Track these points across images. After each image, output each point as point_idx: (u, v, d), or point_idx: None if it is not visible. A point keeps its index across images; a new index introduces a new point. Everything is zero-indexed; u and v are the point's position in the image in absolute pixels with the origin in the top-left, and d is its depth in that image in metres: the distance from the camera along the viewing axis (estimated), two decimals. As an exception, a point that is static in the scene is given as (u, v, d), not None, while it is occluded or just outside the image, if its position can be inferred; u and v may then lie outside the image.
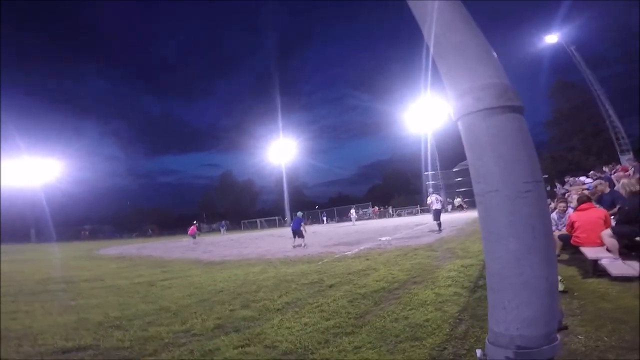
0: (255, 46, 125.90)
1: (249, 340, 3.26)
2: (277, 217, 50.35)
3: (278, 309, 4.28)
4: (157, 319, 4.25)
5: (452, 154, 41.68)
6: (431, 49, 1.65)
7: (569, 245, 5.68)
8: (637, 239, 4.54)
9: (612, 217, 5.56)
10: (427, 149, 42.67)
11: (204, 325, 3.83)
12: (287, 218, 45.36)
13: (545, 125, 44.75)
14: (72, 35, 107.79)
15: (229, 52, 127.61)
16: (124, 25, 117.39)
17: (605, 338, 2.58)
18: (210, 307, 4.65)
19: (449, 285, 4.59)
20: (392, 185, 62.01)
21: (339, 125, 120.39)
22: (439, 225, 13.20)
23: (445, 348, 2.72)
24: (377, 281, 5.30)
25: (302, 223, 13.20)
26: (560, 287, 3.81)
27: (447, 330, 3.07)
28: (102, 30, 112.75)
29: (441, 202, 14.24)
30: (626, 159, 22.44)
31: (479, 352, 1.51)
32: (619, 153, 26.10)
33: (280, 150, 51.66)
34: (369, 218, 43.03)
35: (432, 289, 4.49)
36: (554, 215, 6.93)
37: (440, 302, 3.91)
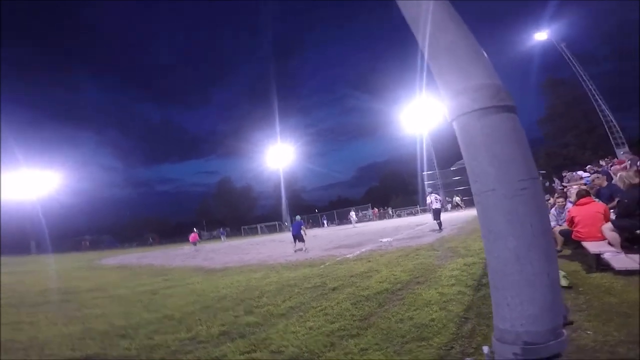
0: (251, 51, 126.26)
1: (254, 346, 3.25)
2: (277, 222, 50.24)
3: (282, 314, 4.27)
4: (161, 327, 4.24)
5: (448, 153, 41.78)
6: (423, 50, 1.67)
7: (571, 241, 5.70)
8: (638, 232, 4.56)
9: (612, 210, 5.58)
10: (423, 148, 42.80)
11: (209, 332, 3.82)
12: (287, 223, 45.27)
13: (539, 123, 45.12)
14: (68, 44, 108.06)
15: (225, 58, 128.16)
16: (121, 33, 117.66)
17: (615, 333, 2.59)
18: (214, 314, 4.64)
19: (453, 285, 4.59)
20: (390, 186, 62.09)
21: (336, 128, 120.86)
22: (440, 224, 13.21)
23: (452, 347, 2.72)
24: (380, 283, 5.30)
25: (302, 227, 13.19)
26: (565, 282, 3.82)
27: (454, 329, 3.07)
28: (99, 38, 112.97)
29: (440, 201, 14.27)
30: (622, 153, 22.60)
31: (486, 349, 1.52)
32: (614, 147, 26.29)
33: (278, 155, 51.64)
34: (369, 220, 43.02)
35: (435, 289, 4.49)
36: (553, 210, 6.95)
37: (444, 301, 3.91)
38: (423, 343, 2.85)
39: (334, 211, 50.48)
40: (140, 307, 5.68)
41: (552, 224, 6.48)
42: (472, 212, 22.25)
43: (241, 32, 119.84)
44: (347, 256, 9.20)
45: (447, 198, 36.44)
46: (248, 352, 3.11)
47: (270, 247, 16.80)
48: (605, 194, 6.55)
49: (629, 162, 10.09)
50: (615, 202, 5.87)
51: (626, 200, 4.82)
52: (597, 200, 6.06)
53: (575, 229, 5.47)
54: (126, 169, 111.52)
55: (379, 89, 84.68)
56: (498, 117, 1.44)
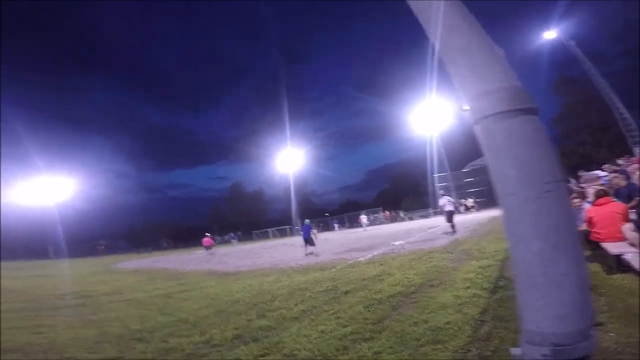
0: (258, 55, 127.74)
1: (268, 349, 3.26)
2: (287, 226, 50.37)
3: (295, 318, 4.28)
4: (176, 331, 4.30)
5: (460, 155, 41.28)
6: (437, 52, 1.67)
7: (589, 241, 5.55)
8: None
9: (631, 210, 5.42)
10: (434, 150, 42.39)
11: (223, 335, 3.85)
12: (298, 227, 45.36)
13: (553, 122, 44.23)
14: (81, 52, 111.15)
15: (233, 63, 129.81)
16: (131, 41, 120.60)
17: (638, 334, 2.51)
18: (228, 318, 4.68)
19: (468, 287, 4.51)
20: (401, 189, 61.56)
21: (346, 131, 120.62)
22: (453, 227, 13.03)
23: (469, 350, 2.68)
24: (392, 286, 5.25)
25: (312, 230, 13.18)
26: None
27: (470, 332, 3.02)
28: (109, 45, 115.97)
29: (453, 203, 14.08)
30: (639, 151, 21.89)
31: (515, 350, 1.50)
32: (631, 145, 25.49)
33: (288, 159, 51.91)
34: (380, 223, 42.72)
35: (450, 292, 4.42)
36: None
37: (459, 304, 3.85)
38: (439, 346, 2.81)
39: (345, 214, 50.36)
40: (155, 310, 5.77)
41: (576, 225, 6.32)
42: (485, 214, 21.89)
43: (248, 36, 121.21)
44: (359, 259, 9.15)
45: (459, 200, 35.93)
46: (261, 356, 3.13)
47: (282, 251, 16.84)
48: (624, 194, 6.36)
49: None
50: (635, 202, 5.70)
51: (647, 200, 4.67)
52: (615, 200, 5.89)
53: (593, 230, 5.32)
54: (139, 174, 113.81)
55: (388, 91, 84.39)
56: (519, 119, 1.44)
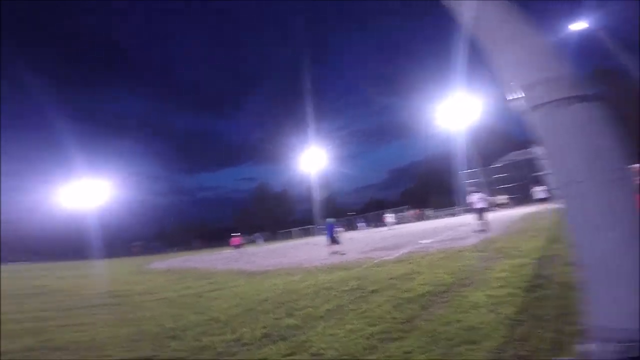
0: (279, 56, 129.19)
1: (295, 348, 3.26)
2: (312, 226, 50.61)
3: (321, 317, 4.26)
4: (208, 329, 4.37)
5: (489, 150, 39.75)
6: (484, 45, 1.65)
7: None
8: None
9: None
10: (462, 146, 41.03)
11: (253, 334, 3.89)
12: (321, 226, 45.45)
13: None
14: (109, 63, 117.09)
15: (254, 65, 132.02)
16: (154, 50, 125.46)
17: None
18: (256, 317, 4.73)
19: (502, 286, 4.31)
20: (427, 187, 60.18)
21: (368, 129, 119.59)
22: (484, 224, 12.55)
23: (504, 350, 2.56)
24: (422, 285, 5.12)
25: (336, 229, 13.13)
26: None
27: (506, 332, 2.88)
28: (135, 55, 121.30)
29: (485, 200, 13.54)
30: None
31: (584, 346, 1.42)
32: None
33: (311, 159, 52.13)
34: (407, 221, 41.95)
35: (483, 291, 4.24)
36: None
37: (494, 304, 3.68)
38: (472, 346, 2.70)
39: (369, 213, 49.90)
40: (187, 309, 5.91)
41: None
42: (519, 211, 20.96)
43: (268, 39, 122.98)
44: (385, 258, 9.01)
45: (491, 197, 34.59)
46: (289, 355, 3.13)
47: (306, 251, 16.92)
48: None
49: None
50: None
51: None
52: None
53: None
54: (169, 177, 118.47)
55: (410, 88, 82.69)
56: (582, 106, 1.41)
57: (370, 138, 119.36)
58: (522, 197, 31.99)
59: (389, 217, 34.78)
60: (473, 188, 19.12)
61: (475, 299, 3.98)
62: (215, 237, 57.22)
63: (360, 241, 18.08)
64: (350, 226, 45.94)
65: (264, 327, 4.10)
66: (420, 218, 43.24)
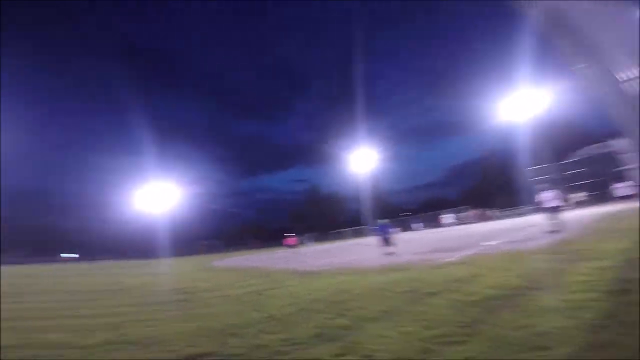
0: (326, 58, 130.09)
1: (346, 349, 3.19)
2: (363, 226, 50.02)
3: (373, 318, 4.13)
4: (266, 327, 4.43)
5: (561, 144, 35.63)
6: (582, 29, 1.51)
7: None
8: None
9: None
10: (529, 141, 37.32)
11: (306, 333, 3.89)
12: (374, 226, 44.63)
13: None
14: (171, 75, 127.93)
15: (303, 68, 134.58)
16: (208, 59, 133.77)
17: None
18: (309, 316, 4.73)
19: (581, 291, 3.79)
20: (490, 185, 56.00)
21: (422, 127, 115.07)
22: (558, 225, 11.26)
23: (582, 357, 2.25)
24: (487, 288, 4.72)
25: (389, 230, 12.78)
26: None
27: (584, 338, 2.53)
28: (191, 65, 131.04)
29: (558, 198, 12.14)
30: None
31: None
32: None
33: (362, 159, 51.60)
34: (468, 222, 39.33)
35: (558, 295, 3.77)
36: None
37: (571, 308, 3.25)
38: (543, 352, 2.43)
39: (426, 214, 47.86)
40: (248, 307, 6.06)
41: None
42: (597, 210, 18.48)
43: (315, 40, 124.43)
44: (444, 260, 8.51)
45: (566, 194, 30.99)
46: (340, 355, 3.06)
47: (358, 251, 16.74)
48: None
49: None
50: None
51: None
52: None
53: None
54: (230, 181, 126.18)
55: (468, 82, 77.44)
56: None
57: (425, 136, 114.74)
58: (601, 194, 28.20)
59: (448, 217, 32.98)
60: (544, 185, 17.26)
61: (548, 303, 3.56)
62: (271, 237, 59.46)
63: (416, 242, 17.39)
64: (405, 227, 44.45)
65: (317, 327, 4.07)
66: (482, 218, 40.23)
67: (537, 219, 17.44)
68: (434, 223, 42.46)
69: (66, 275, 20.03)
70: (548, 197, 11.72)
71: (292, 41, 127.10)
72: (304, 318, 4.66)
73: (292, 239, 22.99)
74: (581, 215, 17.26)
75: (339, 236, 50.82)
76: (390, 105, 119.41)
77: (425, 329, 3.38)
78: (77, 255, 54.73)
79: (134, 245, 51.85)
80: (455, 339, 2.99)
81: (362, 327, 3.84)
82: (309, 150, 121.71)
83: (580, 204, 28.71)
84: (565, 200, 27.34)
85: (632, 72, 1.36)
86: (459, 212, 43.24)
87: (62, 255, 55.03)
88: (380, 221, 13.99)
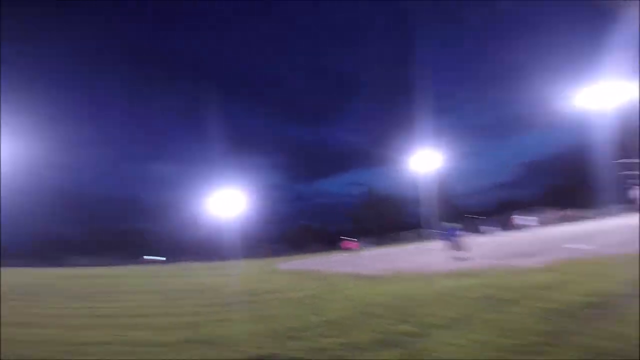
0: (379, 59, 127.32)
1: (410, 356, 3.02)
2: (423, 229, 47.71)
3: (441, 325, 3.86)
4: (325, 331, 4.39)
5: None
6: None
7: None
8: None
9: None
10: (616, 134, 32.16)
11: (366, 338, 3.78)
12: (438, 230, 42.25)
13: None
14: (230, 86, 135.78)
15: (355, 70, 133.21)
16: (265, 69, 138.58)
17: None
18: (370, 321, 4.59)
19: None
20: (571, 183, 49.51)
21: (487, 124, 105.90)
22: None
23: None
24: (573, 295, 4.16)
25: (458, 234, 12.00)
26: None
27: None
28: (248, 78, 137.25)
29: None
30: None
31: None
32: None
33: (423, 160, 49.34)
34: (547, 224, 35.14)
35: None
36: None
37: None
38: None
39: (498, 216, 43.98)
40: (307, 310, 6.07)
41: None
42: None
43: (364, 42, 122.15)
44: (523, 265, 7.69)
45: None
46: (403, 361, 2.91)
47: (422, 255, 15.95)
48: None
49: None
50: None
51: None
52: None
53: None
54: (290, 186, 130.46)
55: (532, 75, 68.88)
56: None
57: (491, 133, 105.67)
58: None
59: (524, 219, 29.78)
60: (637, 180, 14.61)
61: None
62: (330, 240, 59.84)
63: (489, 246, 16.04)
64: (473, 230, 41.24)
65: (377, 332, 3.92)
66: (564, 220, 35.62)
67: (631, 220, 14.75)
68: (508, 226, 38.72)
69: (149, 275, 22.25)
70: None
71: (342, 42, 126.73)
72: (365, 323, 4.52)
73: (352, 243, 22.80)
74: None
75: (399, 240, 49.15)
76: (452, 103, 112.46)
77: (501, 337, 3.05)
78: (164, 258, 60.69)
79: (209, 248, 56.35)
80: (535, 348, 2.66)
81: (428, 333, 3.61)
82: (365, 153, 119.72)
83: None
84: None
85: None
86: (537, 213, 38.81)
87: (145, 257, 61.61)
88: (448, 224, 13.23)
